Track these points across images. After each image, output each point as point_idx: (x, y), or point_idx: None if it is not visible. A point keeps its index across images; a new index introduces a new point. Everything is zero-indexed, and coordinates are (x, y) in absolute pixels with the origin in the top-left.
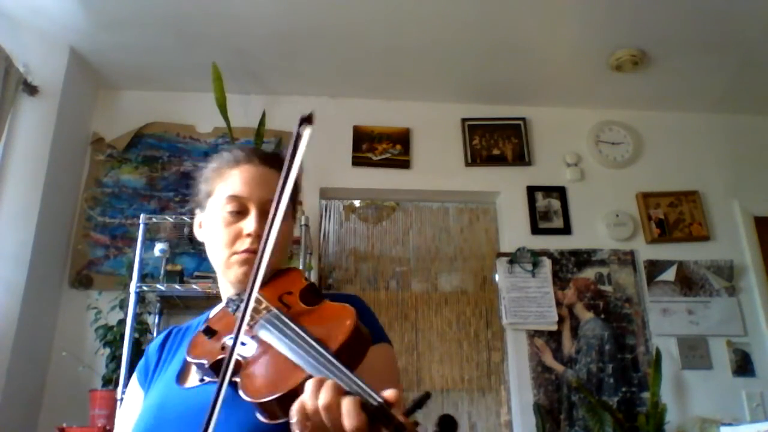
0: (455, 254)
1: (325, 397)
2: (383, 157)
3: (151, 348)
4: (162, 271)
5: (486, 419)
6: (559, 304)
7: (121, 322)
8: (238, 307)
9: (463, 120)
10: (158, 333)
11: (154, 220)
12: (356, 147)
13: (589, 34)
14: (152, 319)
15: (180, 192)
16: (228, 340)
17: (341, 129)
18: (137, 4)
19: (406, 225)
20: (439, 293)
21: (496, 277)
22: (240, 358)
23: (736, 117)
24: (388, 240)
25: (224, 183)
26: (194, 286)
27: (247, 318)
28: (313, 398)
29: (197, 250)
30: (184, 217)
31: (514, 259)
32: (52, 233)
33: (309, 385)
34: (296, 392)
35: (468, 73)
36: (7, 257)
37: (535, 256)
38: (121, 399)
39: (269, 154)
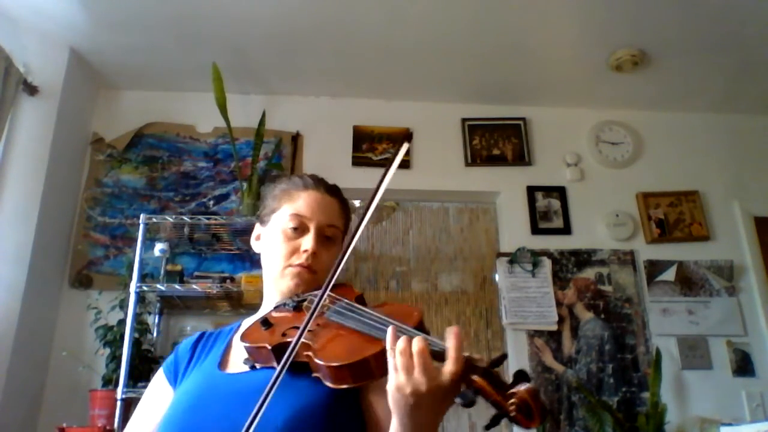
0: (455, 254)
1: (417, 343)
2: (383, 157)
3: (182, 347)
4: (162, 271)
5: (486, 419)
6: (559, 304)
7: (121, 322)
8: (297, 304)
9: (463, 120)
10: (157, 333)
11: (154, 220)
12: (356, 147)
13: (589, 34)
14: (152, 319)
15: (180, 192)
16: (290, 329)
17: (341, 129)
18: (137, 5)
19: (406, 225)
20: (439, 293)
21: (496, 277)
22: (307, 341)
23: (736, 117)
24: (388, 240)
25: (291, 203)
26: (194, 286)
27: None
28: (406, 344)
29: (197, 250)
30: (184, 217)
31: (514, 259)
32: (52, 233)
33: (402, 339)
34: (370, 361)
35: (468, 73)
36: (7, 257)
37: (535, 256)
38: (122, 399)
39: (333, 186)
